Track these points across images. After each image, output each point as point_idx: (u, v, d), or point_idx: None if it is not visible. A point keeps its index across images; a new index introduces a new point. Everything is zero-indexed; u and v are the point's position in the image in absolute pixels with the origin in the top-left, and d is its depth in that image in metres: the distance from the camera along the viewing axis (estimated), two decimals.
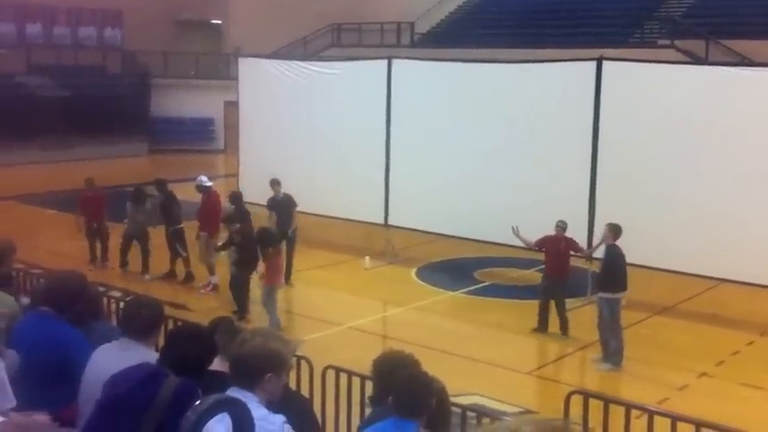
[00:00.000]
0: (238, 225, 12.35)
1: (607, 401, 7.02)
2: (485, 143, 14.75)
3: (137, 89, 32.89)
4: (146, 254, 14.26)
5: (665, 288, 13.45)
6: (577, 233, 12.87)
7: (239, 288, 12.18)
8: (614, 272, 10.48)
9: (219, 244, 13.20)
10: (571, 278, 11.96)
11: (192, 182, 14.83)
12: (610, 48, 18.83)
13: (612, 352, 10.45)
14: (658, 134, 12.97)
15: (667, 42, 25.13)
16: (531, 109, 14.16)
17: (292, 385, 5.83)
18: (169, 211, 14.05)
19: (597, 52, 14.44)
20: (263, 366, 3.45)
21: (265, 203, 14.29)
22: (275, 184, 14.18)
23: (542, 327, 11.61)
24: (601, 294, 10.56)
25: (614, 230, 10.69)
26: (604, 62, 13.44)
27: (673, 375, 10.31)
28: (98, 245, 14.72)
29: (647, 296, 13.43)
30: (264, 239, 11.43)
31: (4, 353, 4.16)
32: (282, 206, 13.96)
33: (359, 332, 11.80)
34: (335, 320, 12.13)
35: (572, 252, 11.70)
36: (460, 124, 15.10)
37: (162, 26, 34.77)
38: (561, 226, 11.59)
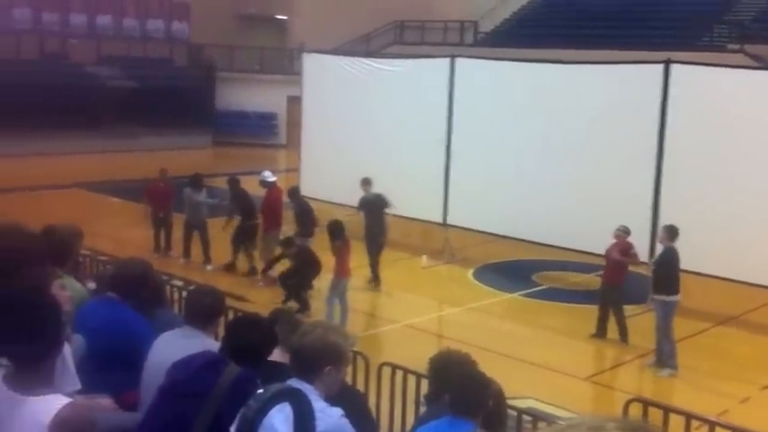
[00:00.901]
0: (295, 249, 12.42)
1: (667, 410, 6.89)
2: (546, 144, 14.60)
3: (202, 82, 33.38)
4: (206, 244, 14.42)
5: (728, 298, 13.15)
6: (640, 237, 12.66)
7: (299, 285, 12.23)
8: (669, 275, 10.35)
9: (277, 253, 13.29)
10: (630, 285, 11.75)
11: (253, 175, 14.97)
12: (677, 51, 18.48)
13: (667, 355, 10.31)
14: (726, 139, 12.67)
15: (736, 47, 24.56)
16: (595, 111, 13.97)
17: (348, 380, 5.85)
18: (245, 207, 14.14)
19: (664, 55, 14.17)
20: (323, 358, 3.47)
21: (325, 198, 14.28)
22: (365, 183, 14.09)
23: (600, 333, 11.46)
24: (655, 296, 10.41)
25: (670, 232, 10.53)
26: (672, 65, 13.19)
27: (734, 387, 10.08)
28: (162, 234, 14.93)
29: (709, 305, 13.17)
30: (332, 232, 11.43)
31: (71, 338, 4.23)
32: (371, 205, 13.84)
33: (415, 330, 11.78)
34: (392, 318, 12.15)
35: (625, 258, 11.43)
36: (522, 124, 14.96)
37: (228, 20, 35.25)
38: (622, 230, 11.37)
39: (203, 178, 14.77)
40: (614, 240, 11.37)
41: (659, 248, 11.07)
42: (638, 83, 13.63)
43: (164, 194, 14.80)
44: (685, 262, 12.65)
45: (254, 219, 14.04)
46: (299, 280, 12.27)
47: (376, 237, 13.59)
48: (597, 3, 31.49)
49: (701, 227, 12.50)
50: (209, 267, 14.31)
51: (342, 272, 11.39)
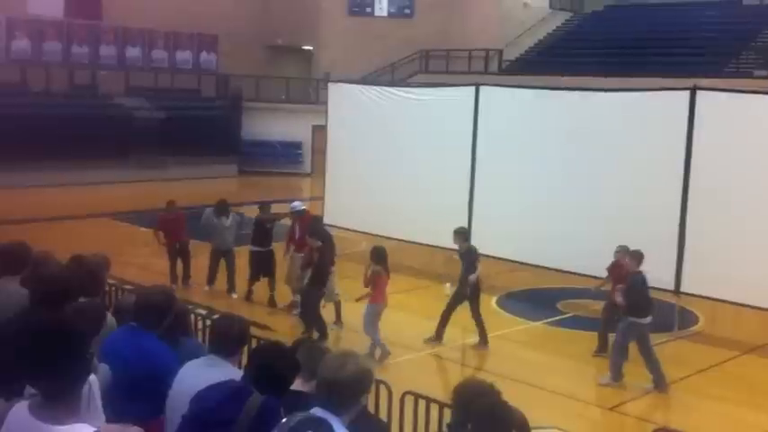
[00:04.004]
0: (320, 243, 12.45)
1: None
2: (572, 172, 14.59)
3: (229, 112, 33.75)
4: (231, 272, 14.47)
5: (756, 325, 13.02)
6: (666, 264, 12.65)
7: (309, 309, 12.25)
8: (640, 299, 10.52)
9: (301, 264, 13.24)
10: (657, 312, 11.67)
11: (279, 204, 15.01)
12: (703, 77, 18.46)
13: (615, 368, 10.56)
14: (753, 165, 12.59)
15: (763, 73, 24.48)
16: (621, 138, 13.94)
17: (371, 409, 5.87)
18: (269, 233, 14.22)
19: (690, 82, 14.16)
20: (361, 389, 3.50)
21: (349, 227, 13.99)
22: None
23: (602, 349, 11.66)
24: (631, 319, 10.54)
25: (638, 258, 10.72)
26: (698, 92, 13.16)
27: (762, 416, 9.95)
28: (180, 264, 14.82)
29: (738, 334, 13.05)
30: (376, 255, 11.43)
31: (97, 367, 4.28)
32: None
33: (438, 359, 11.77)
34: (414, 346, 12.12)
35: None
36: (548, 152, 14.96)
37: (255, 51, 35.70)
38: (621, 250, 11.45)
39: (228, 205, 14.82)
40: (616, 259, 11.55)
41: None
42: (665, 110, 13.59)
43: (175, 225, 14.76)
44: (712, 289, 12.60)
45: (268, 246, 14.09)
46: (307, 287, 12.18)
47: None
48: (622, 30, 31.58)
49: (727, 254, 12.43)
50: (234, 295, 14.37)
51: (375, 299, 11.37)
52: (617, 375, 10.64)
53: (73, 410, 2.88)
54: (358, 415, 3.62)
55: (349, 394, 3.46)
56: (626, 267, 11.15)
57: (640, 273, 10.64)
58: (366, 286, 11.43)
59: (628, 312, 10.61)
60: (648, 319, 10.53)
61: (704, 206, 12.98)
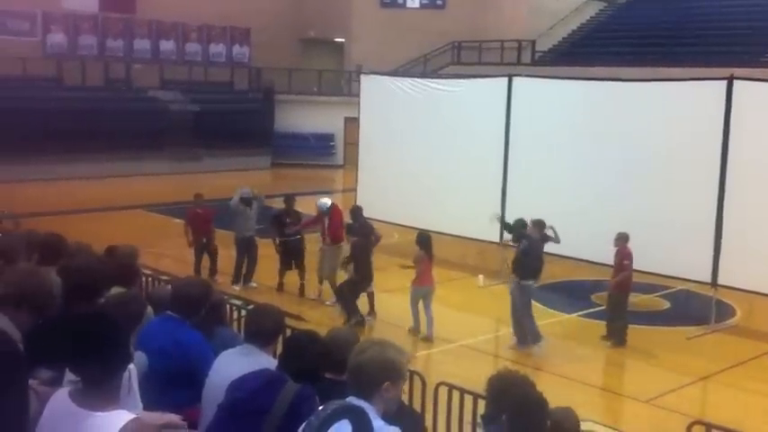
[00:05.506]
0: (356, 239, 12.54)
1: None
2: (605, 163, 14.44)
3: (262, 105, 33.89)
4: (253, 263, 14.42)
5: None
6: (703, 258, 12.52)
7: (347, 296, 12.38)
8: (530, 261, 11.35)
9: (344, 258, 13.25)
10: (692, 305, 11.56)
11: (311, 196, 15.02)
12: (738, 67, 18.15)
13: (530, 333, 11.32)
14: None
15: None
16: (656, 129, 13.79)
17: (405, 400, 5.86)
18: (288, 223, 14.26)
19: (726, 71, 13.94)
20: (381, 375, 3.46)
21: (382, 218, 14.15)
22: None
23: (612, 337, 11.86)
24: (516, 281, 11.41)
25: (539, 226, 11.65)
26: (735, 81, 12.95)
27: None
28: (205, 260, 14.70)
29: None
30: (418, 241, 12.06)
31: (134, 355, 4.32)
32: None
33: (471, 350, 11.74)
34: (447, 337, 12.10)
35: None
36: (580, 143, 14.84)
37: (287, 44, 35.80)
38: (620, 237, 11.88)
39: (253, 193, 14.65)
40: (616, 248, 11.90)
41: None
42: (701, 100, 13.39)
43: (202, 219, 14.69)
44: (749, 282, 12.43)
45: (294, 234, 14.12)
46: (354, 280, 12.45)
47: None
48: (656, 20, 31.21)
49: (765, 246, 12.24)
50: (253, 285, 14.36)
51: (420, 281, 11.91)
52: (537, 337, 11.34)
53: (113, 397, 2.91)
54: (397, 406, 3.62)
55: (369, 377, 3.40)
56: (622, 253, 11.66)
57: (537, 239, 11.40)
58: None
59: (519, 275, 11.34)
60: (532, 282, 11.40)
61: (741, 197, 12.79)
